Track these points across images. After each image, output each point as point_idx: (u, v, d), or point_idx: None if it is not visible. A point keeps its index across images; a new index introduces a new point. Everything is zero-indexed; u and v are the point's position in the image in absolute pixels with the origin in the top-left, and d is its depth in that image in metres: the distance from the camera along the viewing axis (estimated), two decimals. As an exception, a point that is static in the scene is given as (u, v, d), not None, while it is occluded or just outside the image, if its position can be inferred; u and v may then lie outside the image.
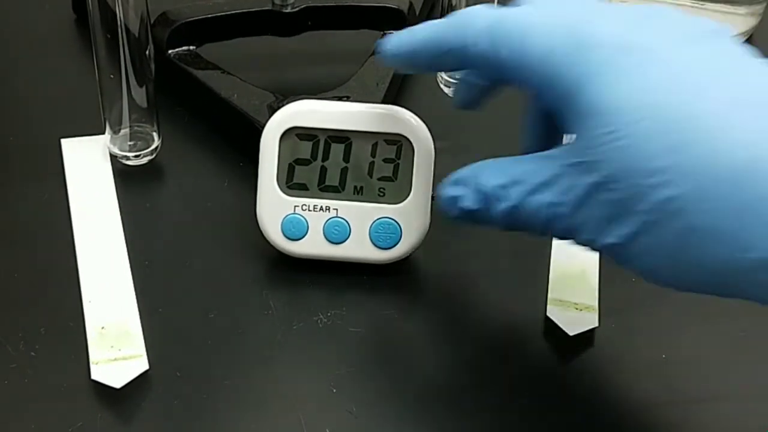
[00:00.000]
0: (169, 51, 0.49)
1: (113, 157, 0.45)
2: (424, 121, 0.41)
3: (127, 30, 0.42)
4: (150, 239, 0.42)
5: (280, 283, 0.40)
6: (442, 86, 0.47)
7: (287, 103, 0.45)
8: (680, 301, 0.39)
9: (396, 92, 0.48)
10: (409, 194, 0.40)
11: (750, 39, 0.55)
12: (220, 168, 0.46)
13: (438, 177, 0.46)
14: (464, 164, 0.46)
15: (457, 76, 0.46)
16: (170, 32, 0.49)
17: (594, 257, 0.41)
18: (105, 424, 0.35)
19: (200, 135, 0.48)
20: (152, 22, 0.48)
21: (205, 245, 0.42)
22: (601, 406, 0.36)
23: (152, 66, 0.44)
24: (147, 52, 0.43)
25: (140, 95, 0.44)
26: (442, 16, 0.45)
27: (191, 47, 0.50)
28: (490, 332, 0.39)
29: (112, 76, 0.42)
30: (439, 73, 0.47)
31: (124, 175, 0.45)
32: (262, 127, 0.44)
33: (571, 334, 0.37)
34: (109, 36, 0.42)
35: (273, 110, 0.45)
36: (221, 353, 0.37)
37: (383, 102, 0.46)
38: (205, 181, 0.45)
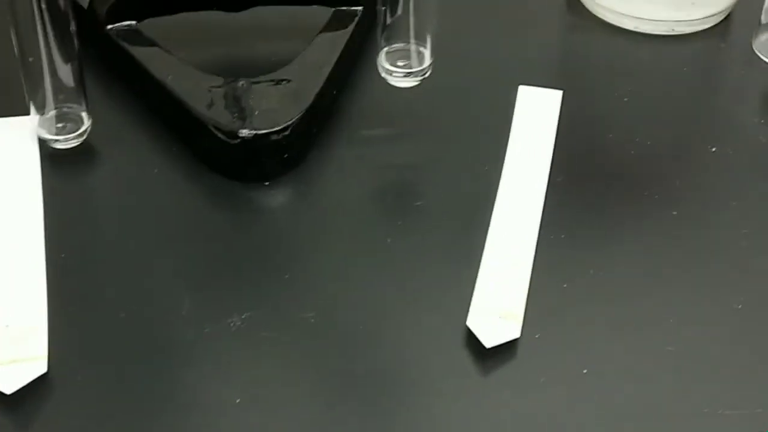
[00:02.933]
0: (108, 26, 0.47)
1: (41, 140, 0.44)
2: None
3: (48, 3, 0.40)
4: (70, 230, 0.41)
5: (198, 281, 0.39)
6: (383, 74, 0.45)
7: (225, 87, 0.44)
8: (611, 312, 0.38)
9: (339, 77, 0.46)
10: None
11: (729, 17, 0.53)
12: (151, 152, 0.44)
13: (381, 164, 0.45)
14: (405, 152, 0.45)
15: (399, 63, 0.45)
16: (109, 6, 0.48)
17: (528, 261, 0.40)
18: (-2, 430, 0.34)
19: (135, 117, 0.46)
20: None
21: (127, 237, 0.41)
22: (514, 422, 0.35)
23: (76, 43, 0.42)
24: (70, 28, 0.41)
25: (66, 74, 0.42)
26: None
27: (132, 23, 0.48)
28: (410, 338, 0.37)
29: (31, 59, 0.41)
30: (379, 62, 0.45)
31: (52, 158, 0.44)
32: (195, 111, 0.43)
33: (488, 346, 0.36)
34: (29, 10, 0.40)
35: (210, 94, 0.44)
36: (127, 358, 0.36)
37: (325, 86, 0.45)
38: (135, 167, 0.44)
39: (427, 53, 0.44)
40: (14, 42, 0.41)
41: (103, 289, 0.39)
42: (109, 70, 0.47)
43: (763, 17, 0.50)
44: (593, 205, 0.43)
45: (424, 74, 0.44)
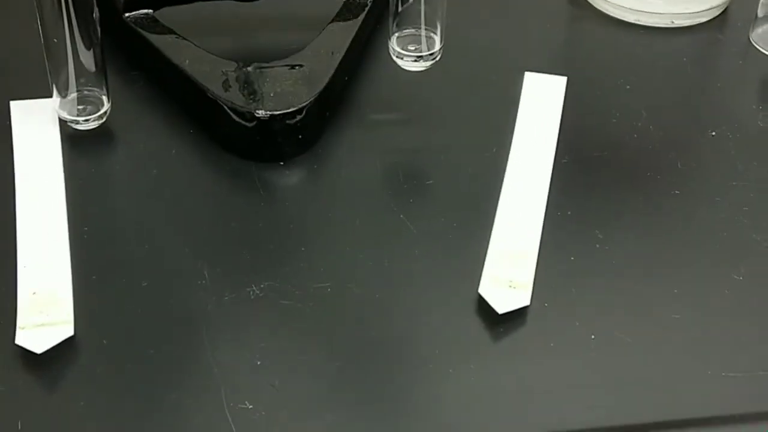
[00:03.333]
0: (126, 14, 0.49)
1: (62, 121, 0.45)
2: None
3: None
4: (92, 207, 0.42)
5: (217, 254, 0.40)
6: (394, 58, 0.46)
7: (240, 71, 0.45)
8: (617, 283, 0.40)
9: (351, 63, 0.48)
10: None
11: (726, 10, 0.54)
12: (169, 135, 0.46)
13: (393, 146, 0.46)
14: (416, 135, 0.46)
15: (410, 48, 0.46)
16: (127, -5, 0.49)
17: (536, 235, 0.41)
18: (27, 389, 0.35)
19: (152, 101, 0.47)
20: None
21: (147, 214, 0.42)
22: (527, 385, 0.36)
23: (98, 29, 0.43)
24: (93, 15, 0.43)
25: (88, 59, 0.44)
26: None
27: (149, 11, 0.49)
28: (423, 306, 0.39)
29: (56, 40, 0.42)
30: (391, 45, 0.46)
31: (73, 139, 0.45)
32: (212, 94, 0.44)
33: (500, 312, 0.37)
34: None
35: (226, 77, 0.45)
36: (150, 322, 0.37)
37: (337, 71, 0.46)
38: (153, 148, 0.45)
39: (437, 38, 0.45)
40: (40, 29, 0.43)
41: (125, 261, 0.40)
42: (127, 57, 0.49)
43: (759, 11, 0.52)
44: (598, 184, 0.44)
45: (435, 58, 0.46)
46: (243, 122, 0.44)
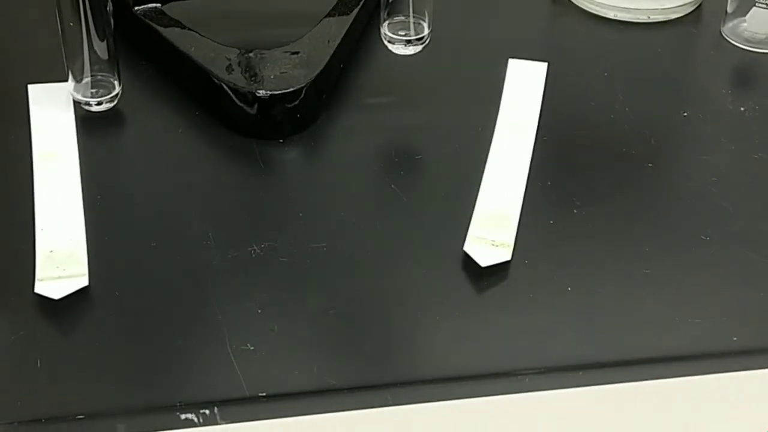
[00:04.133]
0: (136, 7, 0.52)
1: (76, 104, 0.48)
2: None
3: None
4: (104, 179, 0.45)
5: (221, 219, 0.43)
6: (385, 42, 0.50)
7: (242, 56, 0.49)
8: (593, 243, 0.43)
9: (346, 50, 0.51)
10: None
11: (699, 6, 0.58)
12: (176, 116, 0.49)
13: (385, 126, 0.49)
14: (406, 116, 0.50)
15: (400, 33, 0.49)
16: (137, -9, 0.53)
17: (517, 202, 0.44)
18: (46, 334, 0.38)
19: (160, 86, 0.51)
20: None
21: (155, 186, 0.45)
22: (509, 329, 0.39)
23: (111, 21, 0.47)
24: (106, 8, 0.46)
25: (101, 48, 0.47)
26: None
27: (157, 4, 0.53)
28: (412, 263, 0.42)
29: (72, 30, 0.46)
30: (382, 31, 0.50)
31: (86, 120, 0.48)
32: (216, 77, 0.48)
33: (483, 265, 0.40)
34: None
35: (229, 62, 0.49)
36: (158, 277, 0.41)
37: (333, 57, 0.49)
38: (161, 128, 0.48)
39: (425, 24, 0.49)
40: (58, 20, 0.46)
41: (135, 224, 0.43)
42: (138, 46, 0.52)
43: (728, 6, 0.56)
44: (576, 158, 0.48)
45: (423, 42, 0.49)
46: (245, 102, 0.47)
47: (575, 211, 0.44)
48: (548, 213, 0.44)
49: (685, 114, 0.50)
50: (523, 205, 0.44)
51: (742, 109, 0.50)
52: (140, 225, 0.43)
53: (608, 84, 0.52)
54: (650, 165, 0.47)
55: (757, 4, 0.54)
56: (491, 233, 0.42)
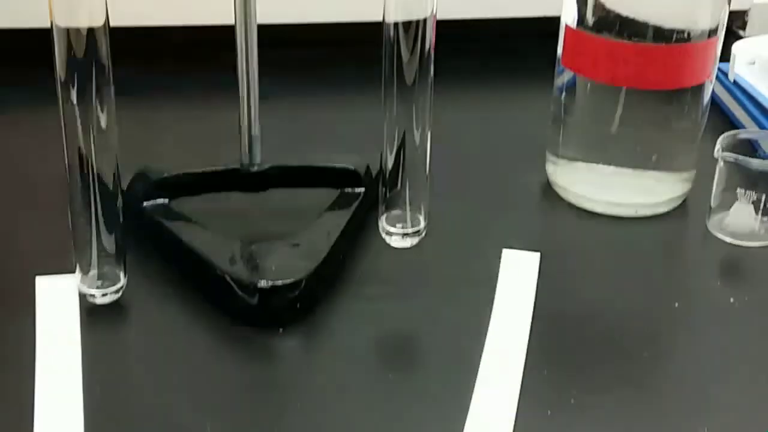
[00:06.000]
0: (145, 203, 0.55)
1: (82, 295, 0.49)
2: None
3: (100, 185, 0.47)
4: (105, 371, 0.46)
5: (219, 411, 0.44)
6: (384, 235, 0.52)
7: (244, 248, 0.50)
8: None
9: (344, 243, 0.53)
10: None
11: (684, 201, 0.60)
12: (179, 308, 0.50)
13: (384, 315, 0.50)
14: (405, 306, 0.51)
15: (398, 225, 0.51)
16: (147, 186, 0.55)
17: (513, 395, 0.44)
18: None
19: (164, 276, 0.52)
20: (132, 176, 0.54)
21: (154, 376, 0.46)
22: None
23: (120, 216, 0.49)
24: (117, 204, 0.48)
25: (109, 241, 0.49)
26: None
27: (165, 200, 0.55)
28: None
29: (82, 224, 0.47)
30: (380, 225, 0.51)
31: (91, 312, 0.49)
32: (219, 269, 0.49)
33: None
34: (83, 191, 0.47)
35: (231, 254, 0.50)
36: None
37: (332, 250, 0.51)
38: (163, 320, 0.49)
39: (421, 217, 0.51)
40: (69, 216, 0.48)
41: (134, 417, 0.43)
42: (144, 239, 0.54)
43: (712, 202, 0.58)
44: (572, 348, 0.48)
45: (420, 235, 0.51)
46: (246, 292, 0.48)
47: (572, 401, 0.45)
48: (545, 403, 0.44)
49: (677, 305, 0.51)
50: (519, 395, 0.44)
51: (731, 300, 0.52)
52: (139, 418, 0.43)
53: (600, 275, 0.54)
54: (645, 355, 0.48)
55: (738, 201, 0.56)
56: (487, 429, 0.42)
